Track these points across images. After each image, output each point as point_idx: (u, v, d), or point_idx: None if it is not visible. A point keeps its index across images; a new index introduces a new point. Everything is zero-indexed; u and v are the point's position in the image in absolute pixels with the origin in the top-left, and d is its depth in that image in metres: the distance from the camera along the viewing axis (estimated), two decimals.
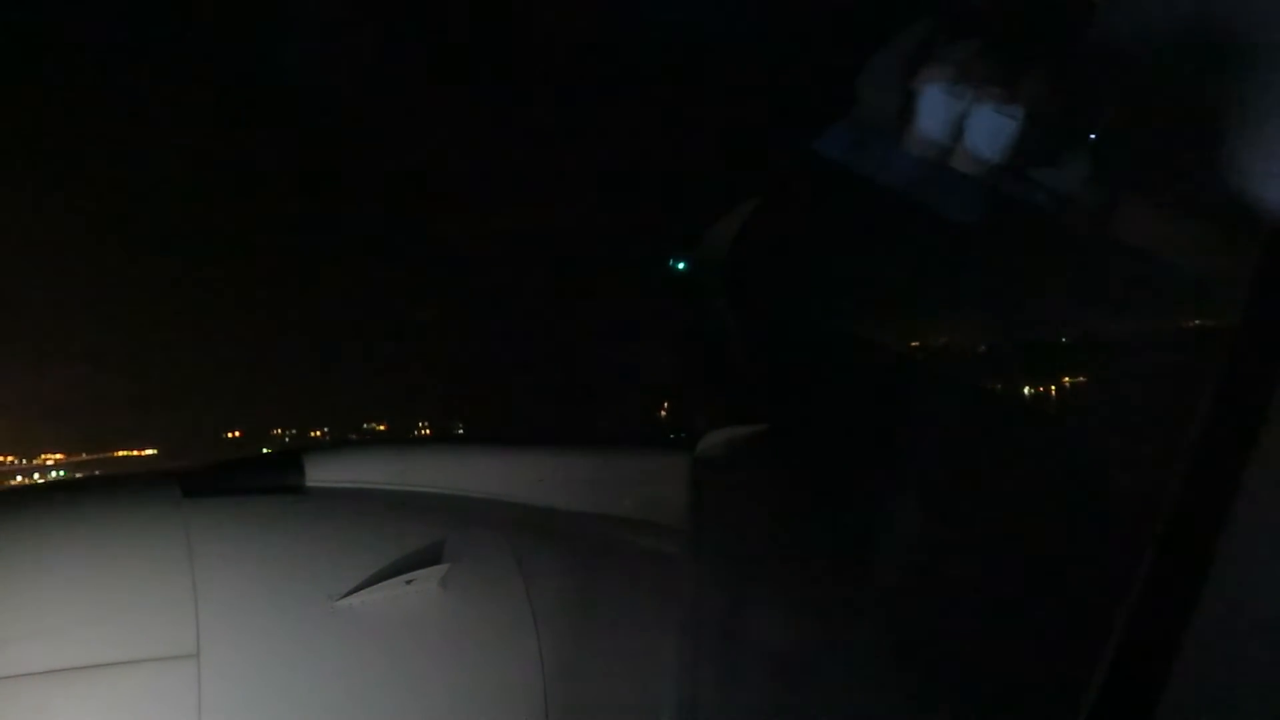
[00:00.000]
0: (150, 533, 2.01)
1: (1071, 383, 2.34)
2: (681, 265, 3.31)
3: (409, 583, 2.03)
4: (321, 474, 2.25)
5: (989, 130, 2.55)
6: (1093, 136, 2.37)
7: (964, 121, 2.60)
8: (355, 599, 2.00)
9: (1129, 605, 1.30)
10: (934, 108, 2.62)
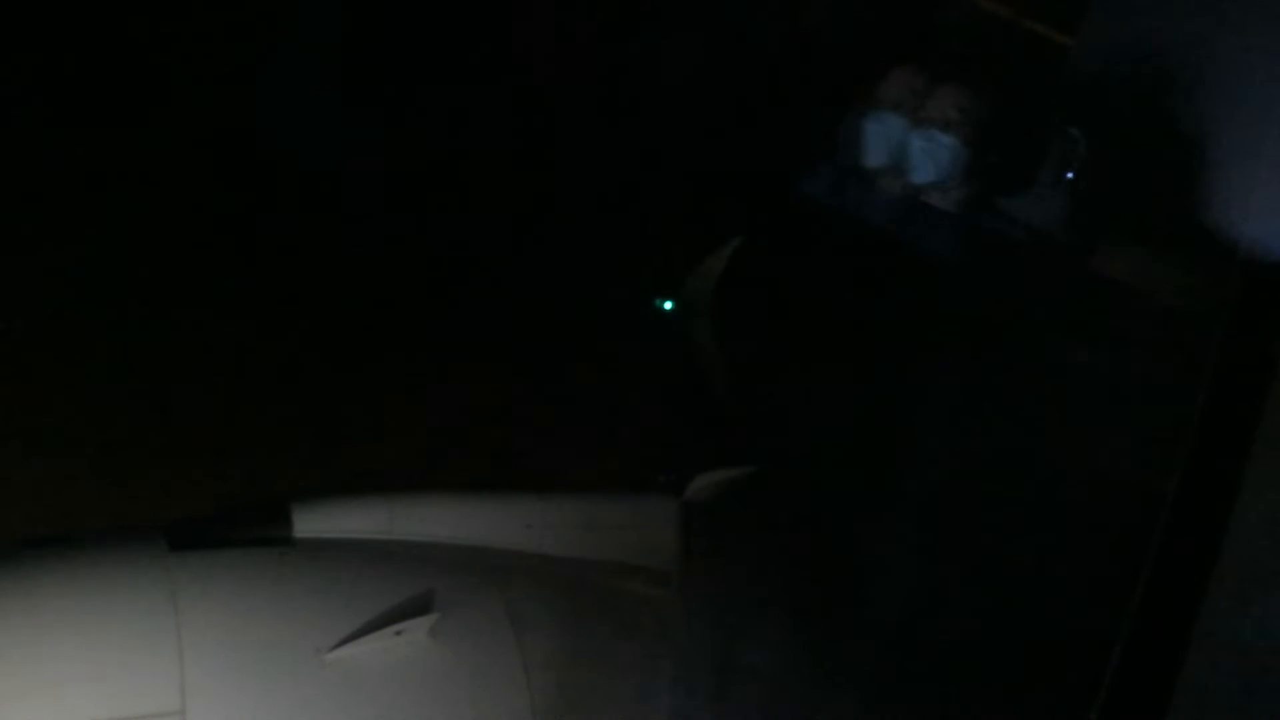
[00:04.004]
0: (136, 588, 1.99)
1: (1064, 408, 2.36)
2: (668, 306, 3.32)
3: (399, 633, 2.01)
4: (309, 525, 2.23)
5: (925, 154, 2.61)
6: (1070, 175, 2.41)
7: (904, 147, 2.67)
8: (344, 651, 1.98)
9: (1131, 620, 1.32)
10: (876, 134, 2.68)
